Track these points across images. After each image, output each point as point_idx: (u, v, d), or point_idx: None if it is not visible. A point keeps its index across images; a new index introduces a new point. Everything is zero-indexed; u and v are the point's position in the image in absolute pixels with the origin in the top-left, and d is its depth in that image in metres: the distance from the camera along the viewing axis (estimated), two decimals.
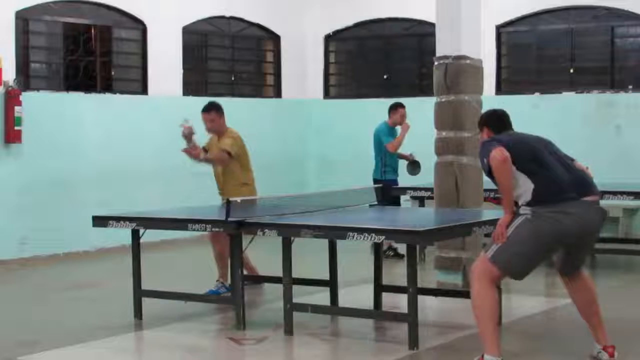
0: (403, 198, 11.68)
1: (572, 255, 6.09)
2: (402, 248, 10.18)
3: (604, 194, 9.80)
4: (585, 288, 6.19)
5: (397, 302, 7.63)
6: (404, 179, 11.43)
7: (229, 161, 8.76)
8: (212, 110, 8.92)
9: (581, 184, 5.96)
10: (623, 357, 6.22)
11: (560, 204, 5.81)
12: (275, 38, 14.71)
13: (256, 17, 14.32)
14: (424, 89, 13.63)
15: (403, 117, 11.26)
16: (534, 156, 5.92)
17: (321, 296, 8.04)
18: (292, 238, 6.89)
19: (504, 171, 5.78)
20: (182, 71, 13.25)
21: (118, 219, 7.70)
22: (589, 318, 6.20)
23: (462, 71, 8.98)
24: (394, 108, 11.30)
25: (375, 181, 10.73)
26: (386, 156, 11.16)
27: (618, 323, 7.27)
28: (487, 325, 5.80)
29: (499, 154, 5.76)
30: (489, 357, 5.76)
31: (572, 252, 6.06)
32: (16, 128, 11.00)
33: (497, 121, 6.22)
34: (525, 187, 5.85)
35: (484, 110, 9.02)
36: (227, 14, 13.93)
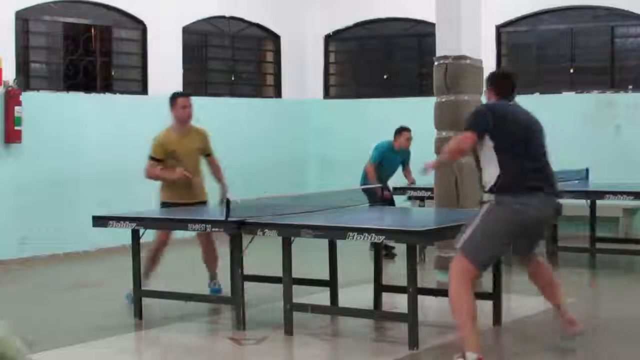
0: (403, 198, 11.70)
1: (523, 241, 6.28)
2: (400, 248, 10.16)
3: (604, 194, 9.87)
4: (542, 271, 6.44)
5: (397, 302, 7.62)
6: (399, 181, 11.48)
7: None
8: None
9: (547, 177, 6.10)
10: (624, 356, 6.23)
11: (522, 194, 5.94)
12: (275, 38, 14.71)
13: (256, 17, 14.32)
14: (424, 89, 13.63)
15: (409, 140, 11.25)
16: (517, 141, 6.02)
17: (321, 296, 8.04)
18: (292, 238, 6.89)
19: (453, 156, 6.34)
20: (182, 71, 13.25)
21: (118, 219, 7.70)
22: (550, 299, 6.46)
23: (462, 71, 8.99)
24: (399, 132, 11.31)
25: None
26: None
27: (618, 323, 7.28)
28: (466, 323, 5.89)
29: (462, 144, 6.04)
30: (470, 355, 5.83)
31: (524, 239, 6.24)
32: (16, 128, 11.00)
33: (503, 83, 6.30)
34: (492, 172, 5.99)
35: None
36: (227, 14, 13.93)
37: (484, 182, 6.04)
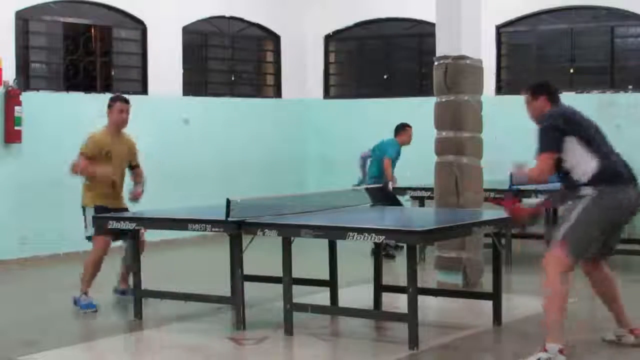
0: (404, 198, 11.69)
1: (609, 239, 6.23)
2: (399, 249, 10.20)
3: None
4: (606, 277, 6.41)
5: (397, 302, 7.62)
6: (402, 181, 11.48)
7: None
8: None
9: (627, 166, 6.18)
10: (624, 356, 6.22)
11: (621, 184, 6.03)
12: (275, 38, 14.71)
13: (256, 17, 14.32)
14: (424, 89, 13.63)
15: (410, 137, 11.26)
16: (595, 135, 6.16)
17: (321, 296, 8.04)
18: (292, 238, 6.89)
19: (538, 179, 6.17)
20: (182, 71, 13.25)
21: (118, 219, 7.70)
22: (610, 304, 6.43)
23: (462, 71, 8.99)
24: (402, 128, 11.29)
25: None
26: (371, 164, 11.24)
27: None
28: (557, 315, 5.95)
29: (546, 169, 6.03)
30: (553, 346, 5.89)
31: (613, 234, 6.24)
32: (16, 128, 10.99)
33: (554, 93, 6.42)
34: (587, 166, 6.03)
35: (484, 110, 9.15)
36: (227, 14, 13.93)
37: (577, 178, 6.06)
